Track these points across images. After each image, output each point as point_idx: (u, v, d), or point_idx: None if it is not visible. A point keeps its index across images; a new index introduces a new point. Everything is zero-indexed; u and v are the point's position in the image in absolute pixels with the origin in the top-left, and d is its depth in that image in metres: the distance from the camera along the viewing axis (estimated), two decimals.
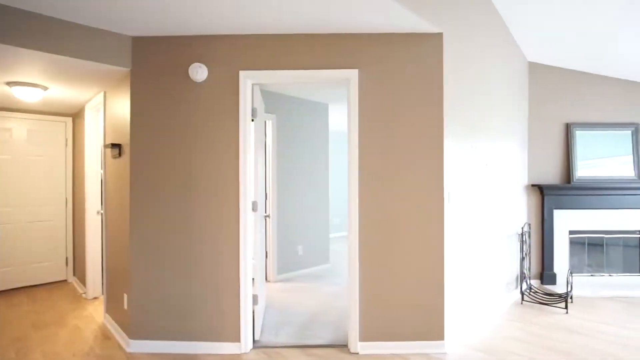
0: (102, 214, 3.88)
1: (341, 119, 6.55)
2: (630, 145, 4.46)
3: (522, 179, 4.24)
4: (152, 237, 2.82)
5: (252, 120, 2.93)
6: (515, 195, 4.06)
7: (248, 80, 2.80)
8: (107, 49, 2.71)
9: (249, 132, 2.80)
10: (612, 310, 3.64)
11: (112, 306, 3.24)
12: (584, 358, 2.69)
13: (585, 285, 4.30)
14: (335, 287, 4.39)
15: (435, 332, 2.79)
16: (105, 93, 3.37)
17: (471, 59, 3.16)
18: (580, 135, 4.43)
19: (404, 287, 2.79)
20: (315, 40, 2.78)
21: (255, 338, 2.94)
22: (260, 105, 3.20)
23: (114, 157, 3.11)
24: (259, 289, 3.10)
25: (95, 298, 4.03)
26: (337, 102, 5.34)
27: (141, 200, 2.82)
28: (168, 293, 2.82)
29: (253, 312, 2.89)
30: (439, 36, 2.78)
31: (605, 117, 4.49)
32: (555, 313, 3.58)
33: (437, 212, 2.78)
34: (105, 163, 3.39)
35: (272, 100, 4.66)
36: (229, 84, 2.80)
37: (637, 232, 4.45)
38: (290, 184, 4.84)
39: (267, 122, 4.64)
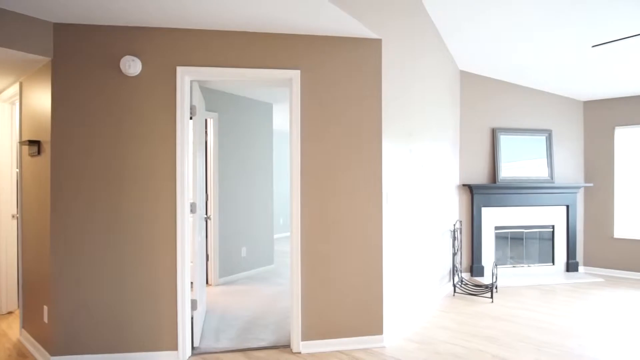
0: (17, 217, 3.49)
1: (286, 119, 6.54)
2: (545, 149, 5.00)
3: (454, 180, 4.55)
4: (78, 243, 2.59)
5: (191, 118, 2.82)
6: (448, 195, 4.35)
7: (186, 77, 2.69)
8: (23, 34, 2.44)
9: (187, 131, 2.69)
10: (530, 297, 4.05)
11: (30, 320, 2.93)
12: (505, 341, 2.95)
13: (508, 276, 4.74)
14: (279, 288, 4.37)
15: (374, 327, 2.89)
16: (21, 84, 3.04)
17: (408, 65, 3.33)
18: (504, 140, 4.86)
19: (345, 285, 2.86)
20: (259, 39, 2.75)
21: (195, 345, 2.83)
22: (200, 103, 3.09)
23: (32, 155, 2.81)
24: (199, 294, 2.99)
25: (9, 313, 3.61)
26: (281, 102, 5.32)
27: (64, 202, 2.58)
28: (97, 302, 2.61)
29: (192, 318, 2.78)
30: (378, 42, 2.88)
31: (525, 123, 4.97)
32: (482, 302, 3.89)
33: (376, 211, 2.88)
34: (21, 161, 3.05)
35: (214, 98, 4.52)
36: (165, 80, 2.66)
37: (550, 227, 4.98)
38: (233, 184, 4.73)
39: (208, 120, 4.49)
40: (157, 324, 2.65)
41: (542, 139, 5.00)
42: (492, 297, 3.96)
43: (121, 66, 2.58)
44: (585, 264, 5.16)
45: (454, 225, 4.34)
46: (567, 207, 4.99)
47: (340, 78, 2.85)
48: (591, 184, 5.05)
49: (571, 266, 4.99)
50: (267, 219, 5.22)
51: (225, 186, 4.63)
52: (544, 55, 4.10)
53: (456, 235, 4.38)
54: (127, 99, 2.63)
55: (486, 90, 4.84)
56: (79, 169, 2.59)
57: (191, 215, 2.80)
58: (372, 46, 2.88)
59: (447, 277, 4.32)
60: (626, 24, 3.31)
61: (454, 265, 4.30)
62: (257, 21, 2.56)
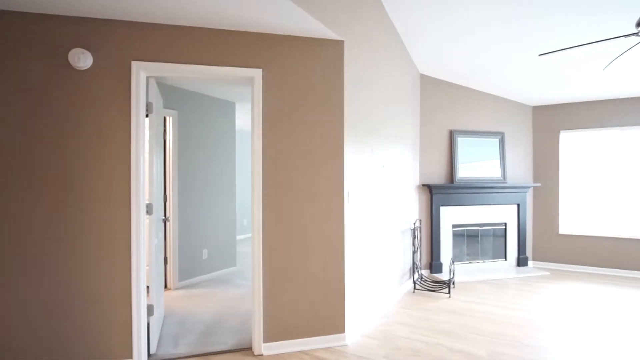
0: None
1: (249, 118, 6.44)
2: (498, 151, 5.27)
3: (414, 180, 4.69)
4: (13, 247, 2.41)
5: (147, 115, 2.71)
6: (409, 195, 4.47)
7: (142, 72, 2.57)
8: None
9: (142, 129, 2.58)
10: (484, 292, 4.25)
11: None
12: (461, 334, 3.08)
13: (465, 272, 4.95)
14: (242, 290, 4.30)
15: (337, 325, 2.91)
16: None
17: (370, 67, 3.39)
18: (461, 141, 5.08)
19: (308, 285, 2.86)
20: (220, 36, 2.69)
21: (151, 352, 2.72)
22: (157, 100, 2.97)
23: None
24: (156, 298, 2.88)
25: None
26: (245, 101, 5.24)
27: None
28: (38, 311, 2.43)
29: (148, 324, 2.67)
30: (340, 43, 2.91)
31: (480, 126, 5.21)
32: (440, 298, 4.04)
33: (337, 211, 2.91)
34: None
35: (173, 95, 4.37)
36: (119, 75, 2.54)
37: (503, 224, 5.26)
38: (194, 184, 4.60)
39: (167, 118, 4.33)
40: (110, 330, 2.52)
41: (495, 141, 5.27)
42: (449, 292, 4.12)
43: (70, 59, 2.42)
44: (534, 259, 5.50)
45: (414, 224, 4.48)
46: (518, 205, 5.29)
47: (303, 78, 2.85)
48: (539, 184, 5.38)
49: (521, 261, 5.29)
50: (230, 220, 5.12)
51: (186, 186, 4.49)
52: (497, 62, 4.32)
53: (416, 234, 4.52)
54: (75, 94, 2.48)
55: (445, 93, 5.03)
56: (14, 168, 2.40)
57: (147, 216, 2.68)
58: (335, 47, 2.90)
59: (408, 275, 4.45)
60: (570, 36, 3.57)
61: (414, 263, 4.43)
62: (218, 17, 2.50)
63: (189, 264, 4.52)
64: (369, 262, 3.40)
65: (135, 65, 2.54)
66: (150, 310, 2.69)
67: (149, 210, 2.69)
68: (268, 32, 2.76)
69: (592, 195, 5.24)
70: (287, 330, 2.82)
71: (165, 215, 4.27)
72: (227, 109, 5.13)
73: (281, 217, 2.81)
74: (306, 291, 2.86)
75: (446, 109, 5.04)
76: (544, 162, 5.49)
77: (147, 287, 2.71)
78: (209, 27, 2.66)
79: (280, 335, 2.80)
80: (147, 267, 2.72)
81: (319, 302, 2.88)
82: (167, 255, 4.32)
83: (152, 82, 2.79)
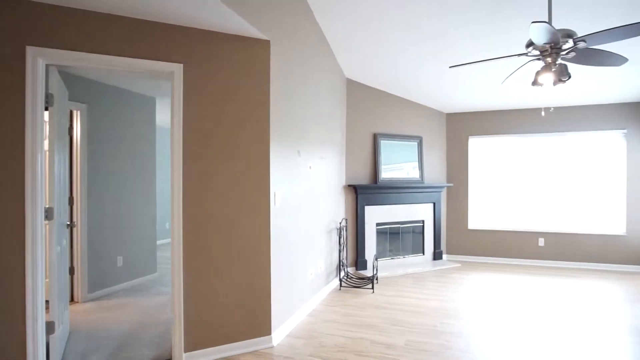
0: None
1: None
2: (417, 153, 5.67)
3: (340, 180, 4.83)
4: None
5: (47, 108, 2.41)
6: (335, 195, 4.60)
7: (40, 59, 2.28)
8: None
9: (40, 123, 2.29)
10: (404, 285, 4.54)
11: None
12: (383, 327, 3.25)
13: (388, 267, 5.23)
14: (162, 298, 4.04)
15: (263, 328, 2.88)
16: None
17: (297, 69, 3.41)
18: (384, 144, 5.36)
19: (232, 289, 2.79)
20: (139, 26, 2.49)
21: None
22: (60, 92, 2.66)
23: None
24: (58, 314, 2.57)
25: None
26: (166, 97, 4.93)
27: None
28: None
29: (47, 343, 2.37)
30: (266, 43, 2.89)
31: (401, 130, 5.56)
32: (365, 294, 4.22)
33: (263, 212, 2.88)
34: None
35: (83, 87, 3.94)
36: (11, 62, 2.22)
37: (421, 222, 5.67)
38: (108, 185, 4.20)
39: (74, 112, 3.90)
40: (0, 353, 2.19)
41: (414, 144, 5.66)
42: (373, 288, 4.32)
43: None
44: (447, 252, 6.02)
45: (340, 223, 4.61)
46: (434, 204, 5.75)
47: (228, 76, 2.77)
48: (451, 184, 5.91)
49: (437, 255, 5.76)
50: (149, 224, 4.78)
51: (97, 188, 4.08)
52: (414, 71, 4.65)
53: (342, 233, 4.66)
54: None
55: (369, 98, 5.26)
56: None
57: (47, 222, 2.38)
58: (261, 47, 2.87)
59: (335, 273, 4.57)
60: (477, 52, 3.97)
61: (340, 261, 4.57)
62: (136, 5, 2.31)
63: (101, 273, 4.12)
64: (295, 263, 3.42)
65: (31, 50, 2.25)
66: (50, 327, 2.40)
67: (49, 214, 2.40)
68: (191, 26, 2.63)
69: (495, 194, 5.90)
70: (211, 337, 2.71)
71: (71, 220, 3.84)
72: (147, 104, 4.78)
73: (203, 220, 2.70)
74: (231, 295, 2.78)
75: (371, 113, 5.28)
76: (456, 164, 6.04)
77: (47, 301, 2.41)
78: (125, 15, 2.45)
79: (203, 343, 2.69)
80: (47, 280, 2.42)
81: (244, 305, 2.82)
82: (74, 264, 3.89)
83: (54, 72, 2.49)
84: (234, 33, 2.76)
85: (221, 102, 2.75)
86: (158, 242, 7.19)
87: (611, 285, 4.53)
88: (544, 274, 5.06)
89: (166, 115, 6.05)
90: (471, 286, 4.52)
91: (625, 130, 5.29)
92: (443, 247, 5.99)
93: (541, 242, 5.62)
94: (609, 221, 5.38)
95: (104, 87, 4.19)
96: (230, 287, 2.78)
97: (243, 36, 2.81)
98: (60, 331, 2.61)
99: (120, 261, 4.35)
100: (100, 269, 4.12)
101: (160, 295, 4.12)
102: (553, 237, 5.57)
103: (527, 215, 5.74)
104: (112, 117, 4.27)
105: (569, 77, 2.52)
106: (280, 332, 3.05)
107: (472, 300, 4.00)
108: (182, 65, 2.62)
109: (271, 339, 2.90)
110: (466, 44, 3.90)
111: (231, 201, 2.78)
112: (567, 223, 5.55)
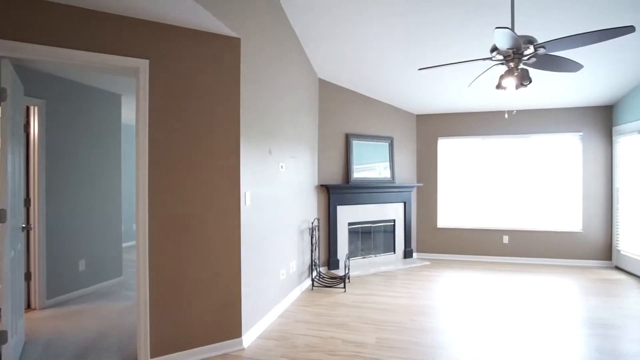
0: None
1: None
2: (388, 154, 5.76)
3: (313, 180, 4.83)
4: None
5: None
6: (307, 194, 4.60)
7: None
8: None
9: None
10: (376, 284, 4.60)
11: None
12: (354, 326, 3.28)
13: (359, 266, 5.29)
14: (128, 302, 3.89)
15: (233, 330, 2.84)
16: None
17: (269, 68, 3.38)
18: (356, 144, 5.41)
19: (201, 291, 2.72)
20: (103, 19, 2.39)
21: None
22: (14, 86, 2.51)
23: None
24: (12, 322, 2.42)
25: None
26: (133, 93, 4.75)
27: None
28: None
29: (0, 354, 2.22)
30: (237, 40, 2.84)
31: (373, 130, 5.63)
32: (337, 293, 4.24)
33: (233, 212, 2.83)
34: None
35: (42, 82, 3.73)
36: None
37: (392, 221, 5.77)
38: (69, 186, 4.00)
39: (31, 108, 3.69)
40: None
41: (386, 145, 5.75)
42: (345, 287, 4.35)
43: None
44: (417, 251, 6.15)
45: (313, 223, 4.61)
46: (405, 203, 5.86)
47: (197, 73, 2.70)
48: (421, 184, 6.05)
49: (407, 253, 5.87)
50: (114, 226, 4.59)
51: (57, 189, 3.87)
52: (385, 73, 4.73)
53: (314, 233, 4.66)
54: None
55: (342, 98, 5.30)
56: None
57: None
58: (231, 44, 2.82)
59: (307, 273, 4.56)
60: (446, 55, 4.08)
61: (312, 261, 4.57)
62: None
63: (60, 278, 3.91)
64: (267, 263, 3.39)
65: None
66: (2, 337, 2.25)
67: (1, 217, 2.25)
68: (159, 21, 2.55)
69: (463, 193, 6.09)
70: (179, 342, 2.64)
71: (27, 223, 3.62)
72: (112, 101, 4.60)
73: (171, 220, 2.62)
74: (200, 298, 2.72)
75: (343, 113, 5.31)
76: (426, 164, 6.19)
77: None
78: (87, 7, 2.34)
79: (170, 347, 2.61)
80: (0, 286, 2.27)
81: (214, 308, 2.77)
82: (31, 269, 3.68)
83: (7, 64, 2.35)
84: (204, 30, 2.70)
85: (190, 99, 2.68)
86: (125, 245, 6.94)
87: (568, 280, 4.79)
88: (507, 270, 5.28)
89: (132, 113, 5.84)
90: (439, 283, 4.64)
91: (581, 133, 5.60)
92: (413, 245, 6.11)
93: (505, 239, 5.85)
94: (567, 219, 5.68)
95: (66, 83, 3.99)
96: (198, 289, 2.71)
97: (213, 33, 2.75)
98: (14, 341, 2.46)
99: (82, 265, 4.15)
100: (60, 273, 3.91)
101: (126, 300, 3.97)
102: (516, 235, 5.82)
103: (493, 214, 5.96)
104: (74, 114, 4.07)
105: (530, 81, 2.64)
106: (252, 334, 3.02)
107: (440, 297, 4.11)
108: (148, 61, 2.53)
109: (242, 341, 2.86)
110: (436, 48, 4.00)
111: (200, 201, 2.71)
112: (530, 221, 5.81)
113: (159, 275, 2.58)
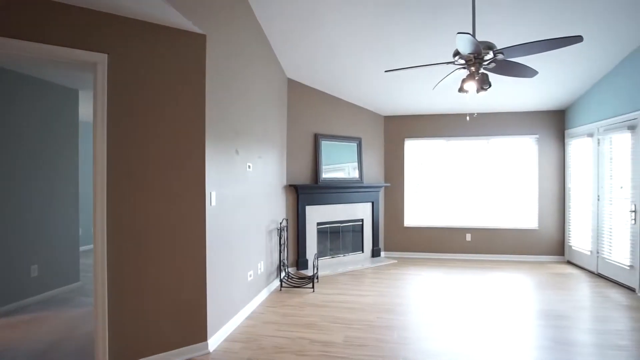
0: None
1: None
2: (356, 154, 5.83)
3: (281, 180, 4.80)
4: None
5: None
6: (276, 195, 4.56)
7: None
8: None
9: None
10: (344, 283, 4.64)
11: None
12: (322, 325, 3.29)
13: (328, 266, 5.31)
14: (85, 309, 3.69)
15: (199, 334, 2.76)
16: None
17: (236, 66, 3.32)
18: (325, 145, 5.43)
19: (164, 294, 2.63)
20: (53, 8, 2.25)
21: None
22: None
23: None
24: None
25: None
26: (91, 89, 4.52)
27: None
28: None
29: None
30: (202, 37, 2.77)
31: (342, 131, 5.67)
32: (305, 293, 4.24)
33: (198, 213, 2.76)
34: None
35: None
36: None
37: (360, 220, 5.84)
38: (17, 187, 3.74)
39: None
40: None
41: (354, 145, 5.81)
42: (313, 287, 4.35)
43: None
44: (385, 249, 6.27)
45: (281, 223, 4.59)
46: (373, 203, 5.95)
47: (160, 70, 2.61)
48: (389, 184, 6.17)
49: (375, 252, 5.97)
50: (71, 228, 4.35)
51: (5, 190, 3.62)
52: (354, 74, 4.78)
53: (283, 233, 4.63)
54: None
55: (311, 98, 5.30)
56: None
57: None
58: (197, 41, 2.75)
59: (275, 273, 4.53)
60: (412, 59, 4.18)
61: (281, 261, 4.54)
62: None
63: (10, 285, 3.66)
64: (234, 264, 3.33)
65: None
66: None
67: None
68: (120, 14, 2.43)
69: (429, 193, 6.27)
70: (140, 348, 2.54)
71: None
72: (68, 97, 4.35)
73: (132, 221, 2.52)
74: (162, 302, 2.62)
75: (312, 113, 5.32)
76: (393, 165, 6.31)
77: None
78: None
79: (131, 355, 2.50)
80: None
81: (178, 311, 2.68)
82: None
83: None
84: (168, 25, 2.61)
85: (152, 97, 2.59)
86: (84, 248, 6.59)
87: (525, 275, 5.04)
88: (470, 267, 5.48)
89: (91, 110, 5.56)
90: (406, 281, 4.75)
91: (537, 136, 5.92)
92: (381, 244, 6.22)
93: (468, 237, 6.08)
94: (524, 217, 5.98)
95: (15, 76, 3.73)
96: (161, 292, 2.62)
97: (178, 29, 2.67)
98: None
99: (35, 271, 3.90)
100: (9, 280, 3.66)
101: (82, 307, 3.77)
102: (478, 233, 6.06)
103: (457, 213, 6.18)
104: (23, 110, 3.82)
105: (490, 85, 2.76)
106: (218, 337, 2.95)
107: (407, 294, 4.21)
108: (106, 55, 2.42)
109: (207, 344, 2.79)
110: (402, 51, 4.09)
111: (162, 201, 2.62)
112: (491, 219, 6.07)
113: (118, 280, 2.47)
